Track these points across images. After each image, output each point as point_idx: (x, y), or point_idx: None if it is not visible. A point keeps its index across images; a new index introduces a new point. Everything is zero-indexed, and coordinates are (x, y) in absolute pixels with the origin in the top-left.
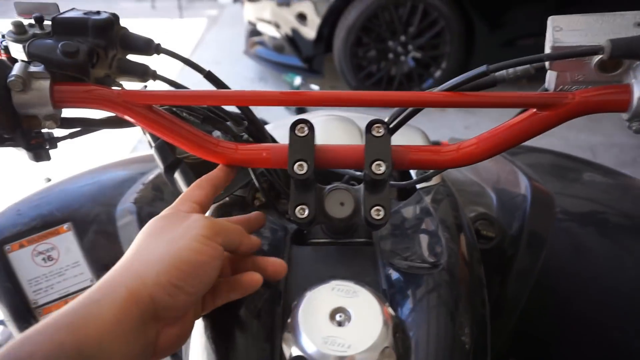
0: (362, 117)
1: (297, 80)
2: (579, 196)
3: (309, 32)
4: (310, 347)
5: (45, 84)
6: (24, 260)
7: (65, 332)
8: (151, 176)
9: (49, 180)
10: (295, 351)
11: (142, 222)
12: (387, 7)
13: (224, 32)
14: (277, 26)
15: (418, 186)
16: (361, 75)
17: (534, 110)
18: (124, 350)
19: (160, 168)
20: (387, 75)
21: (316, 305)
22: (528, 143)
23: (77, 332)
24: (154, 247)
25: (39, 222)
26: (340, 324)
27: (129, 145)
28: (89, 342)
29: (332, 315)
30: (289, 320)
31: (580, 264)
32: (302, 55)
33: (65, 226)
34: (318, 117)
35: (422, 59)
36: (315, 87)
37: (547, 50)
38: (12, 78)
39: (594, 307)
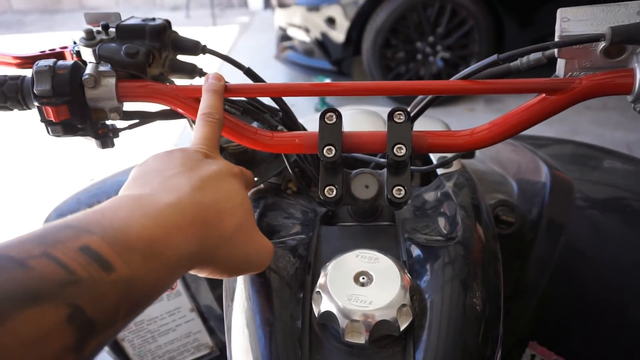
0: (387, 111)
1: None
2: (598, 182)
3: (338, 35)
4: (336, 304)
5: (112, 81)
6: None
7: None
8: None
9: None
10: (323, 308)
11: None
12: (416, 8)
13: (256, 38)
14: (307, 31)
15: (439, 172)
16: (390, 76)
17: (544, 95)
18: None
19: None
20: (416, 76)
21: (342, 269)
22: (555, 135)
23: None
24: None
25: None
26: (363, 284)
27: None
28: None
29: (356, 278)
30: (318, 283)
31: (599, 248)
32: (332, 59)
33: None
34: (347, 111)
35: (450, 59)
36: None
37: (556, 39)
38: (87, 76)
39: (613, 289)
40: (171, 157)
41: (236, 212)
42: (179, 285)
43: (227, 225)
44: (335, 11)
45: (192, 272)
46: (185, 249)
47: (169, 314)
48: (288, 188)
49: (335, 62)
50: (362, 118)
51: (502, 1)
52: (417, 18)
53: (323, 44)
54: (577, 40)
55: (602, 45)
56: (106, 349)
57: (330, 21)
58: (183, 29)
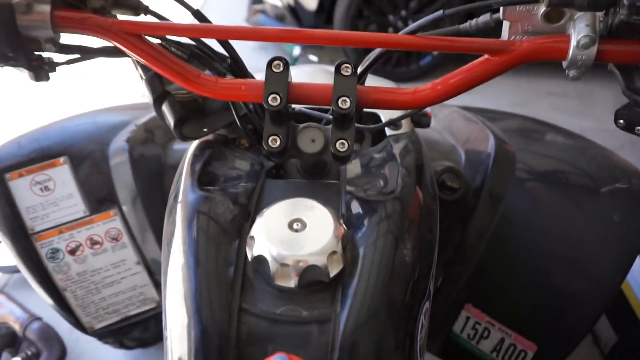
0: None
1: (297, 50)
2: (540, 154)
3: (310, 2)
4: (269, 248)
5: (47, 7)
6: (23, 189)
7: None
8: (144, 119)
9: None
10: (256, 252)
11: (133, 161)
12: None
13: None
14: None
15: (388, 134)
16: (360, 49)
17: (487, 56)
18: None
19: (149, 99)
20: (386, 50)
21: (277, 215)
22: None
23: None
24: None
25: (37, 154)
26: (296, 230)
27: None
28: None
29: (291, 224)
30: (252, 227)
31: (535, 216)
32: (303, 26)
33: (61, 159)
34: (305, 68)
35: None
36: (314, 57)
37: None
38: None
39: (541, 256)
40: None
41: None
42: (124, 236)
43: None
44: None
45: None
46: None
47: (114, 265)
48: (241, 144)
49: None
50: (318, 76)
51: None
52: None
53: (295, 10)
54: (518, 0)
55: (542, 8)
56: (49, 301)
57: None
58: None
